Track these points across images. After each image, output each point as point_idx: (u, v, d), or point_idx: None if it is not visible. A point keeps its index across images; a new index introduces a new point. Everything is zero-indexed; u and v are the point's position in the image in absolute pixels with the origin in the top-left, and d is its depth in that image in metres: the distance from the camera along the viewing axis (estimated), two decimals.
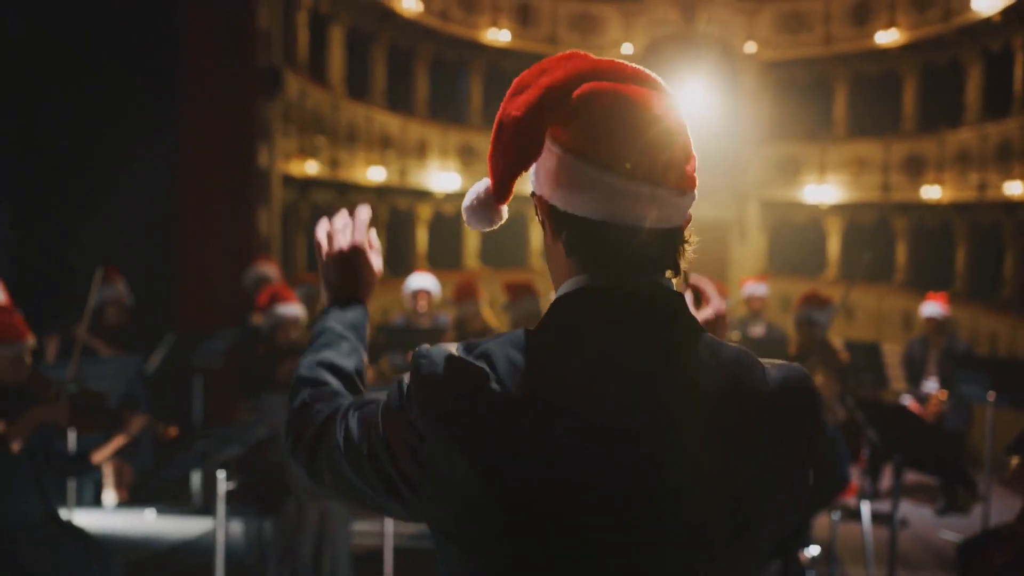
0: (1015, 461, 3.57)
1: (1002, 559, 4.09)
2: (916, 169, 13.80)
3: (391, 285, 13.29)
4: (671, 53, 15.15)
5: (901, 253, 14.21)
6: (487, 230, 1.38)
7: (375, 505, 1.34)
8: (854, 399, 5.12)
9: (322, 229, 1.68)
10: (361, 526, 5.93)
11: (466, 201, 1.38)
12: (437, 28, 14.10)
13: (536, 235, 15.68)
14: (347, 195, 13.11)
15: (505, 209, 1.37)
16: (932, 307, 7.49)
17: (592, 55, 1.30)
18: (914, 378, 7.54)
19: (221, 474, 4.14)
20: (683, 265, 1.31)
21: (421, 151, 14.43)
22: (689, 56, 14.89)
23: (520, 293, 6.99)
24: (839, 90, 14.95)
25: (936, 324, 7.46)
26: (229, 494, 4.46)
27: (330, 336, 1.58)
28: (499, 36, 14.87)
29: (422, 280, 8.03)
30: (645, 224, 1.23)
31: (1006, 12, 11.90)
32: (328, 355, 1.55)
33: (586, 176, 1.23)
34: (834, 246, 15.06)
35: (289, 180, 10.84)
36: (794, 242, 15.25)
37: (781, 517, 1.28)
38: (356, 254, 1.65)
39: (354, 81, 13.13)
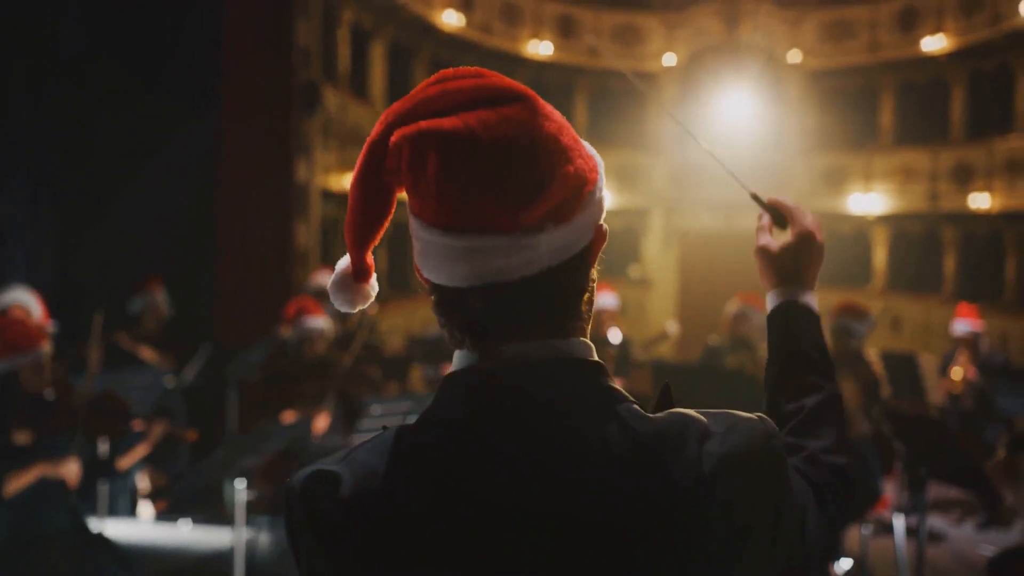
0: (1001, 454, 3.50)
1: None
2: (965, 178, 13.55)
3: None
4: (714, 64, 15.08)
5: (950, 263, 13.95)
6: (353, 311, 1.18)
7: None
8: (882, 410, 5.03)
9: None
10: None
11: (330, 279, 1.17)
12: (479, 42, 14.18)
13: None
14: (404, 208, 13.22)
15: (371, 287, 1.15)
16: (963, 325, 7.31)
17: (433, 84, 1.07)
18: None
19: (240, 483, 4.19)
20: (585, 308, 1.11)
21: None
22: (733, 66, 14.80)
23: None
24: (885, 98, 14.75)
25: (967, 342, 7.28)
26: (254, 503, 4.51)
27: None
28: (540, 49, 14.91)
29: None
30: (479, 282, 1.03)
31: None
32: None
33: (420, 236, 1.06)
34: (880, 257, 14.82)
35: (328, 195, 10.96)
36: (840, 253, 15.04)
37: None
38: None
39: (395, 96, 13.05)
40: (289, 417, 4.92)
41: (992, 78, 13.36)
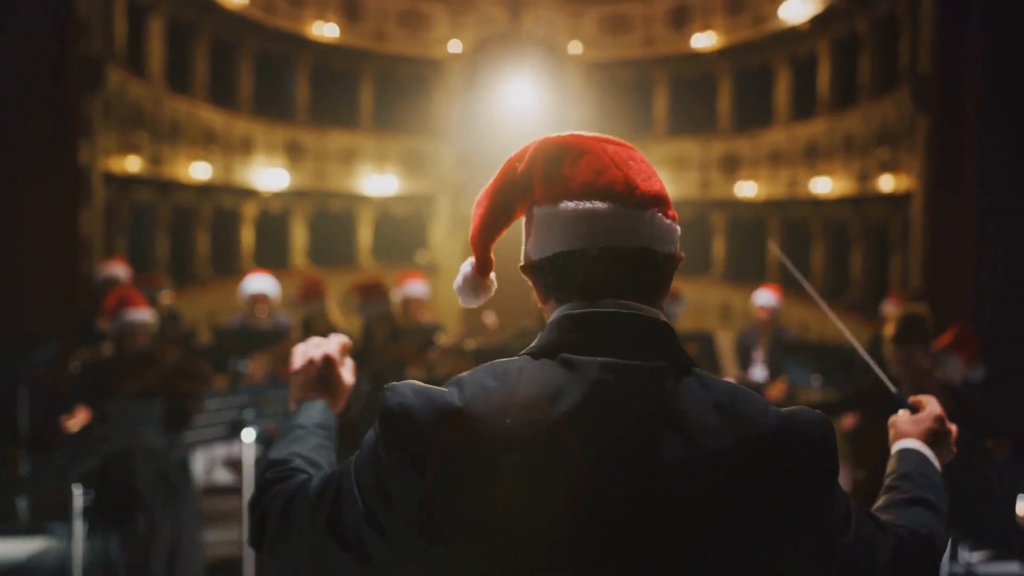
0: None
1: None
2: (732, 167, 14.52)
3: (217, 286, 12.86)
4: (498, 52, 15.34)
5: (719, 247, 14.91)
6: (477, 305, 1.44)
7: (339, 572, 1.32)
8: None
9: (300, 347, 1.75)
10: (215, 535, 5.73)
11: (457, 280, 1.44)
12: (262, 21, 13.74)
13: (365, 233, 15.54)
14: (170, 193, 12.60)
15: (492, 280, 1.44)
16: (765, 297, 7.73)
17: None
18: (745, 365, 7.90)
19: (77, 489, 3.91)
20: (664, 300, 1.33)
21: (246, 148, 14.03)
22: (516, 55, 15.11)
23: (371, 294, 6.87)
24: (659, 90, 15.52)
25: (768, 313, 7.70)
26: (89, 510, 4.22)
27: (299, 432, 1.59)
28: (325, 31, 14.63)
29: (260, 283, 7.59)
30: (598, 242, 1.27)
31: (813, 20, 12.70)
32: (297, 447, 1.55)
33: (544, 217, 1.32)
34: None
35: (111, 178, 10.31)
36: None
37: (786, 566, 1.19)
38: (328, 365, 1.70)
39: (176, 75, 12.61)
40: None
41: (755, 75, 14.36)
